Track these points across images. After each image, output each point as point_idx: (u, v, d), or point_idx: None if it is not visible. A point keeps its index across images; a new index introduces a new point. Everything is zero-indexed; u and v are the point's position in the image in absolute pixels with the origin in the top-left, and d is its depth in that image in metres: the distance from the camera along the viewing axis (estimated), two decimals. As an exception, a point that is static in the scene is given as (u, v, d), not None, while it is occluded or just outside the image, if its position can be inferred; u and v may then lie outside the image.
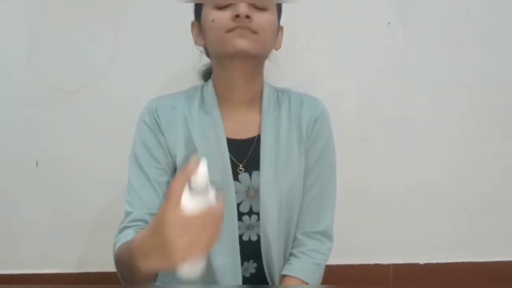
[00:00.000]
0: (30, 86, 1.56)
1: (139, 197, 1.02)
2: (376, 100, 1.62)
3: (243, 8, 0.92)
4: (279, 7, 1.05)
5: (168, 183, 1.04)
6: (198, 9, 1.04)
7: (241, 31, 0.93)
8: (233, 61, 0.97)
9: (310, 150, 1.09)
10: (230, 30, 0.94)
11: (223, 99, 1.05)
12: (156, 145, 1.03)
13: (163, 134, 1.03)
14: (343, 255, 1.67)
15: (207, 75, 1.16)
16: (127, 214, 1.03)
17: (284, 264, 1.11)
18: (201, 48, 1.10)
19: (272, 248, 1.07)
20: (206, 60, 1.16)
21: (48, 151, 1.60)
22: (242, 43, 0.94)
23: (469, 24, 1.59)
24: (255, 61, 1.01)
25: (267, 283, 1.10)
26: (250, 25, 0.94)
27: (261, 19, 0.95)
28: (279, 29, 1.07)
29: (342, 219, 1.65)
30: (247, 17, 0.93)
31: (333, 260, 1.61)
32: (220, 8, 0.95)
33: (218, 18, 0.94)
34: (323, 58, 1.58)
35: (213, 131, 1.03)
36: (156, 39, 1.54)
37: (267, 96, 1.07)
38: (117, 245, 0.98)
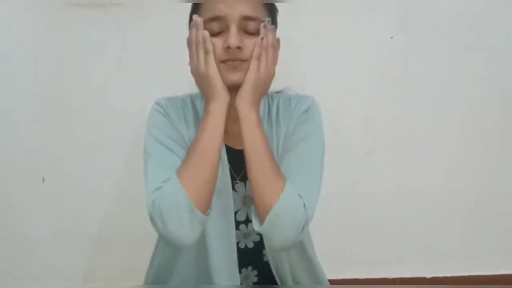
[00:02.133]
0: (37, 101, 1.57)
1: (170, 168, 0.96)
2: (380, 114, 1.63)
3: (233, 39, 0.93)
4: (273, 19, 1.03)
5: None
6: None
7: (232, 63, 0.95)
8: (228, 89, 0.98)
9: (291, 133, 1.05)
10: (223, 61, 0.95)
11: None
12: (172, 128, 1.03)
13: (175, 124, 1.04)
14: (349, 269, 1.68)
15: None
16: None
17: (290, 265, 1.11)
18: None
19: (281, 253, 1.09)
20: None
21: (54, 166, 1.61)
22: (234, 76, 0.95)
23: (471, 37, 1.60)
24: None
25: None
26: (241, 55, 0.95)
27: (253, 46, 0.95)
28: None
29: (347, 232, 1.66)
30: (238, 47, 0.94)
31: (339, 275, 1.62)
32: (213, 35, 0.95)
33: (212, 47, 0.94)
34: (327, 73, 1.59)
35: None
36: (162, 54, 1.55)
37: (262, 110, 1.08)
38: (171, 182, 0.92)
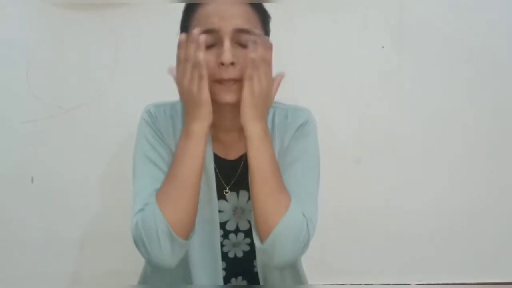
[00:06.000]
0: (28, 101, 1.57)
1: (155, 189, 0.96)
2: (370, 122, 1.65)
3: (227, 55, 0.90)
4: (265, 28, 1.00)
5: None
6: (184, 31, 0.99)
7: (227, 84, 0.92)
8: (220, 104, 0.96)
9: (287, 149, 1.04)
10: (217, 81, 0.93)
11: (213, 125, 1.01)
12: (161, 142, 1.01)
13: (163, 137, 1.03)
14: (334, 275, 1.69)
15: None
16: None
17: (280, 275, 1.10)
18: None
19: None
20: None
21: (44, 167, 1.60)
22: (229, 97, 0.93)
23: (462, 49, 1.64)
24: None
25: None
26: (235, 72, 0.92)
27: (246, 61, 0.91)
28: None
29: (334, 239, 1.67)
30: (232, 63, 0.91)
31: (323, 281, 1.63)
32: (206, 46, 0.91)
33: (205, 62, 0.90)
34: (318, 82, 1.60)
35: None
36: (155, 57, 1.55)
37: None
38: (149, 208, 0.91)
